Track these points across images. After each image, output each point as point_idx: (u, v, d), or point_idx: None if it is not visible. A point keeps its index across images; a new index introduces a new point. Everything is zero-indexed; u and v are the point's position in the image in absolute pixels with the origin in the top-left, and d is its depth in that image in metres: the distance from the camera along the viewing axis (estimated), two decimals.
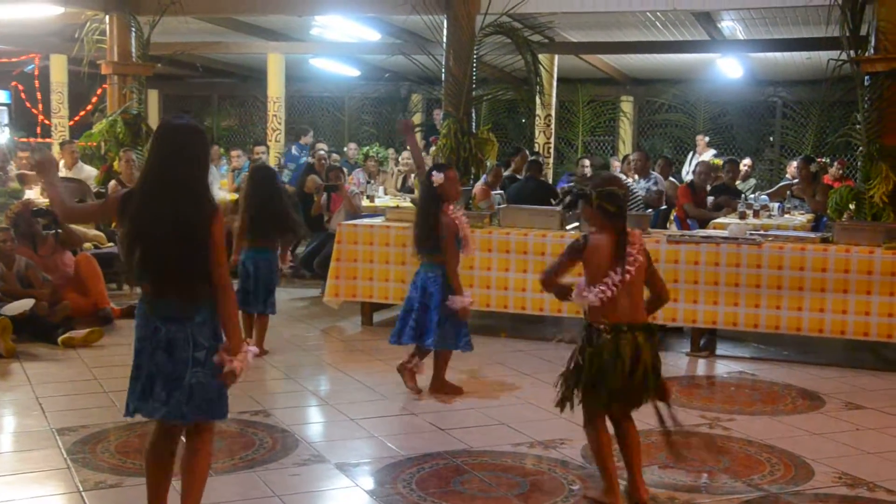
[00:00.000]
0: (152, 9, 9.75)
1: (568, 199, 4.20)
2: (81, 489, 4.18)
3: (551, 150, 13.73)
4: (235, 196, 11.13)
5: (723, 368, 6.90)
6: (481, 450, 4.81)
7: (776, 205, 9.65)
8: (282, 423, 5.22)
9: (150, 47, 10.28)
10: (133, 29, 9.98)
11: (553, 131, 13.81)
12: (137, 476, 4.27)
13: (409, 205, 9.58)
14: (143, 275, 3.42)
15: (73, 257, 8.16)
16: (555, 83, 13.62)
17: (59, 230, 8.09)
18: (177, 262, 3.37)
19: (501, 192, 9.52)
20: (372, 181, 11.72)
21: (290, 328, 7.80)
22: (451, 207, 5.69)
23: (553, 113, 13.68)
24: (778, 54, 13.37)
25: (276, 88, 14.23)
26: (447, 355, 5.87)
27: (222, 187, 11.64)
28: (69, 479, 4.30)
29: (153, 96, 17.68)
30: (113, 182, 9.68)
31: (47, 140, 14.54)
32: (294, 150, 12.53)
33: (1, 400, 5.67)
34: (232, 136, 18.68)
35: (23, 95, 16.77)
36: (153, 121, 12.87)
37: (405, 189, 11.95)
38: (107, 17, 10.00)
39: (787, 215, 9.63)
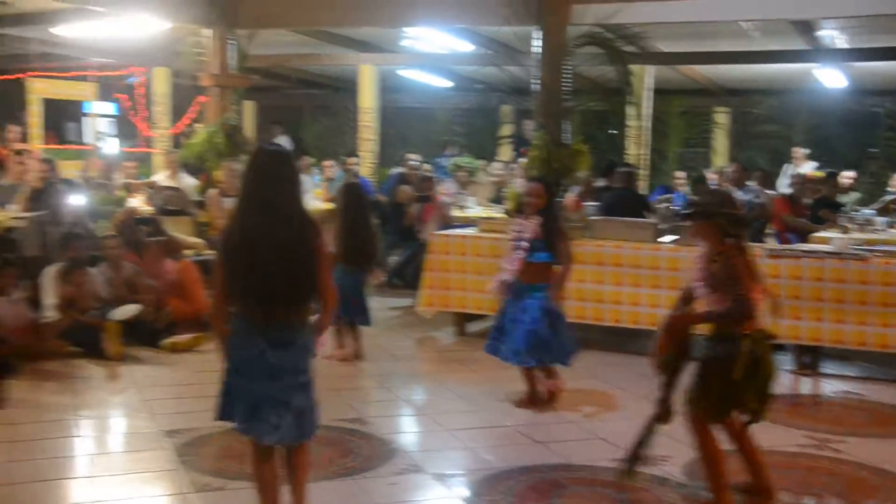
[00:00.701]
0: (250, 22, 9.99)
1: (692, 211, 4.12)
2: (189, 491, 4.30)
3: (645, 162, 13.56)
4: (330, 206, 11.33)
5: (828, 387, 6.70)
6: (580, 464, 4.78)
7: (882, 219, 9.34)
8: (378, 432, 5.28)
9: (248, 60, 10.52)
10: (231, 42, 10.23)
11: (646, 143, 13.65)
12: (238, 480, 4.40)
13: (502, 216, 9.59)
14: (250, 301, 3.50)
15: (175, 264, 8.39)
16: (648, 94, 13.48)
17: (162, 237, 8.34)
18: (286, 287, 3.48)
19: (594, 203, 9.44)
20: (463, 191, 11.76)
21: (384, 337, 7.87)
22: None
23: (647, 124, 13.52)
24: (880, 63, 12.96)
25: (367, 99, 14.40)
26: (553, 370, 5.84)
27: (316, 197, 11.83)
28: (178, 481, 4.44)
29: (248, 107, 18.08)
30: (213, 191, 9.92)
31: (150, 150, 14.99)
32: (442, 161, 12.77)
33: (111, 402, 5.89)
34: (324, 146, 18.97)
35: (128, 107, 17.33)
36: (249, 131, 13.10)
37: (496, 200, 11.95)
38: (207, 31, 10.26)
39: (893, 230, 9.31)
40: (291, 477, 3.69)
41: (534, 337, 5.54)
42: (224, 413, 3.63)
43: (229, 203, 9.99)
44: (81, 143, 15.87)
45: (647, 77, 13.29)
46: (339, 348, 6.94)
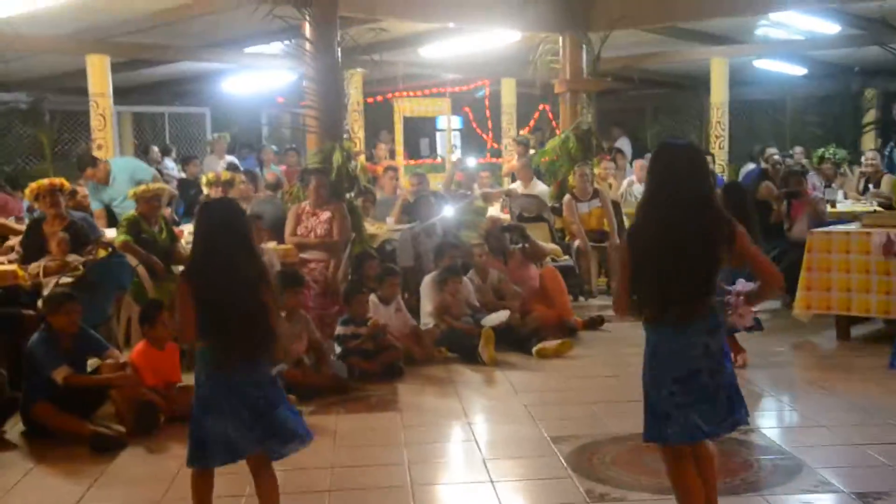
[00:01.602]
0: (604, 24, 9.93)
1: None
2: (585, 500, 4.23)
3: None
4: None
5: None
6: None
7: None
8: (774, 444, 4.91)
9: (599, 63, 10.47)
10: (584, 46, 10.24)
11: None
12: (640, 491, 4.26)
13: (882, 209, 8.73)
14: (653, 295, 3.42)
15: (538, 270, 8.49)
16: None
17: (527, 244, 8.47)
18: (689, 279, 3.36)
19: None
20: (831, 185, 10.88)
21: (756, 341, 7.36)
22: None
23: None
24: None
25: (719, 94, 13.82)
26: None
27: None
28: (573, 489, 4.38)
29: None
30: (567, 197, 9.96)
31: (496, 160, 15.49)
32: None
33: (492, 407, 6.01)
34: None
35: (472, 120, 18.06)
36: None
37: (866, 192, 10.93)
38: (560, 37, 10.35)
39: None
40: (707, 481, 3.50)
41: None
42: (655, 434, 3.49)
43: (583, 208, 10.04)
44: (433, 158, 16.79)
45: None
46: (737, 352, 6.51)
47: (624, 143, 16.46)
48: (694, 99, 17.31)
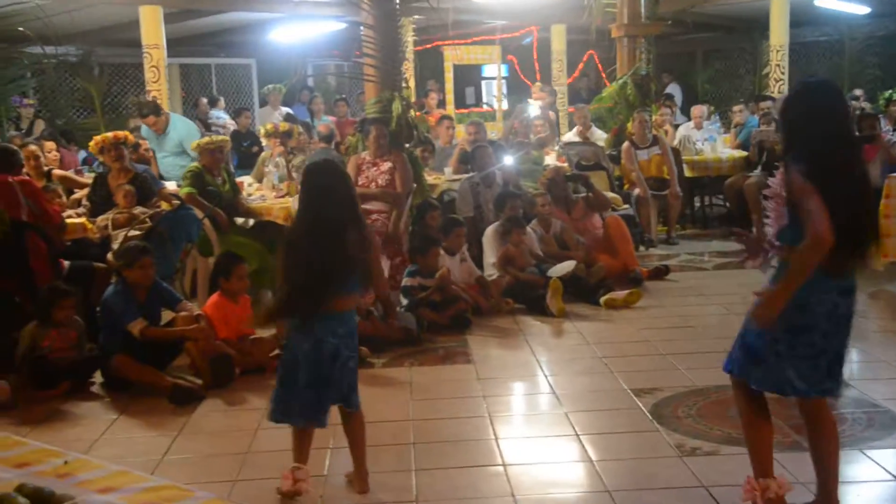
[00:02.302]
0: None
1: None
2: (677, 454, 4.15)
3: None
4: (739, 154, 10.74)
5: None
6: None
7: None
8: (866, 397, 4.79)
9: (658, 6, 10.20)
10: None
11: None
12: (731, 444, 4.17)
13: None
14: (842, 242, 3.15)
15: (601, 220, 8.35)
16: None
17: (591, 193, 8.33)
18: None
19: None
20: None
21: None
22: None
23: None
24: None
25: (778, 36, 13.36)
26: None
27: (725, 144, 11.27)
28: (662, 443, 4.30)
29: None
30: (626, 144, 9.77)
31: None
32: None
33: (567, 358, 5.91)
34: (717, 91, 18.14)
35: (517, 68, 17.77)
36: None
37: None
38: None
39: None
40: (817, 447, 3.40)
41: None
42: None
43: (642, 155, 9.85)
44: (479, 106, 16.57)
45: None
46: None
47: (675, 90, 16.13)
48: (747, 42, 16.86)
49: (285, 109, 13.15)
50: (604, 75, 11.80)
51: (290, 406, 3.77)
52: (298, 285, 3.69)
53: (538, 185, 8.70)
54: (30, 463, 2.39)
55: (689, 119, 11.96)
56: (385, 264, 6.96)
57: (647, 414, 4.68)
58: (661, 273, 8.12)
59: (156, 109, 8.89)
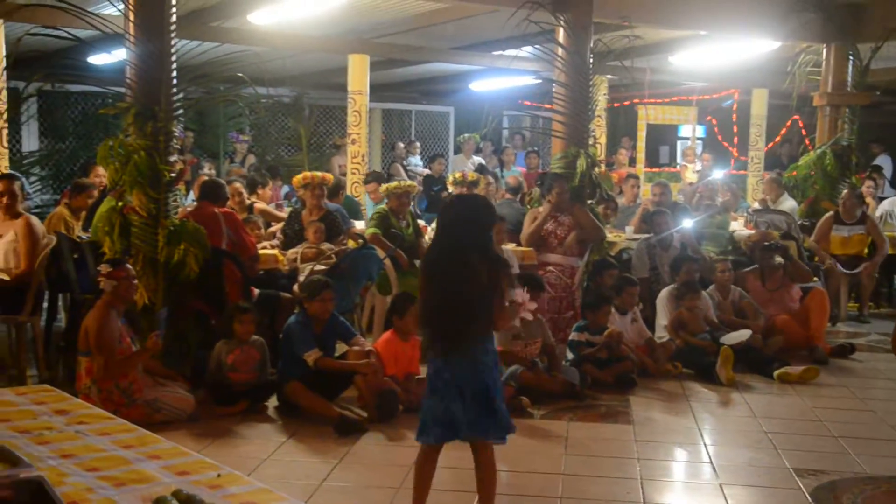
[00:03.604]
0: (874, 35, 9.30)
1: None
2: None
3: None
4: None
5: None
6: None
7: None
8: None
9: (868, 75, 9.83)
10: (851, 57, 9.65)
11: None
12: None
13: None
14: None
15: (798, 291, 8.06)
16: None
17: (790, 263, 8.08)
18: None
19: None
20: None
21: None
22: None
23: None
24: None
25: None
26: None
27: None
28: None
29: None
30: (828, 216, 9.43)
31: (741, 172, 14.89)
32: None
33: (729, 429, 5.78)
34: None
35: (716, 130, 17.45)
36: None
37: None
38: (824, 47, 9.81)
39: None
40: None
41: None
42: None
43: (843, 231, 9.42)
44: (673, 166, 16.38)
45: None
46: None
47: (884, 161, 15.34)
48: None
49: (477, 159, 13.52)
50: (808, 143, 11.42)
51: (426, 424, 3.87)
52: (433, 320, 3.81)
53: (721, 251, 8.53)
54: (189, 472, 2.65)
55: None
56: (551, 318, 7.05)
57: (808, 496, 4.51)
58: (845, 351, 7.77)
59: (378, 178, 9.46)
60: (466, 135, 14.40)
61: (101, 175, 8.39)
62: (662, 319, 7.44)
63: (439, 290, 3.78)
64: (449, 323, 3.76)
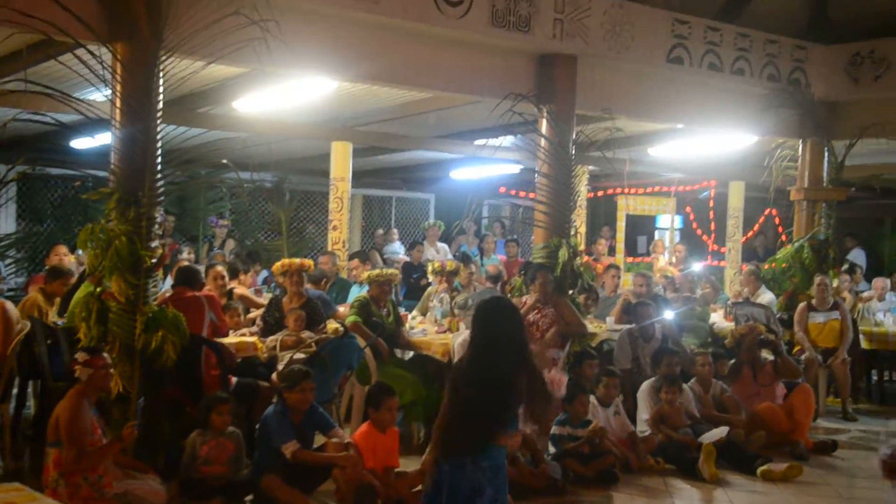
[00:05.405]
0: (849, 132, 9.50)
1: None
2: None
3: None
4: None
5: None
6: None
7: None
8: None
9: (843, 171, 10.00)
10: (826, 153, 9.84)
11: None
12: None
13: None
14: None
15: (782, 388, 8.02)
16: None
17: (779, 359, 8.06)
18: None
19: None
20: None
21: None
22: None
23: None
24: None
25: None
26: None
27: None
28: None
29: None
30: (802, 304, 9.49)
31: (720, 264, 14.98)
32: None
33: None
34: None
35: (692, 220, 17.63)
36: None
37: None
38: (800, 143, 10.00)
39: None
40: None
41: None
42: None
43: (818, 318, 9.45)
44: (647, 256, 16.49)
45: None
46: None
47: (858, 255, 15.50)
48: None
49: (441, 245, 13.57)
50: (784, 236, 11.57)
51: None
52: (459, 426, 3.76)
53: (701, 343, 8.50)
54: None
55: (870, 287, 11.49)
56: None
57: None
58: (827, 448, 7.70)
59: (362, 256, 9.53)
60: (431, 221, 14.45)
61: (60, 254, 8.35)
62: (644, 413, 7.37)
63: (472, 396, 3.78)
64: (478, 434, 3.76)
